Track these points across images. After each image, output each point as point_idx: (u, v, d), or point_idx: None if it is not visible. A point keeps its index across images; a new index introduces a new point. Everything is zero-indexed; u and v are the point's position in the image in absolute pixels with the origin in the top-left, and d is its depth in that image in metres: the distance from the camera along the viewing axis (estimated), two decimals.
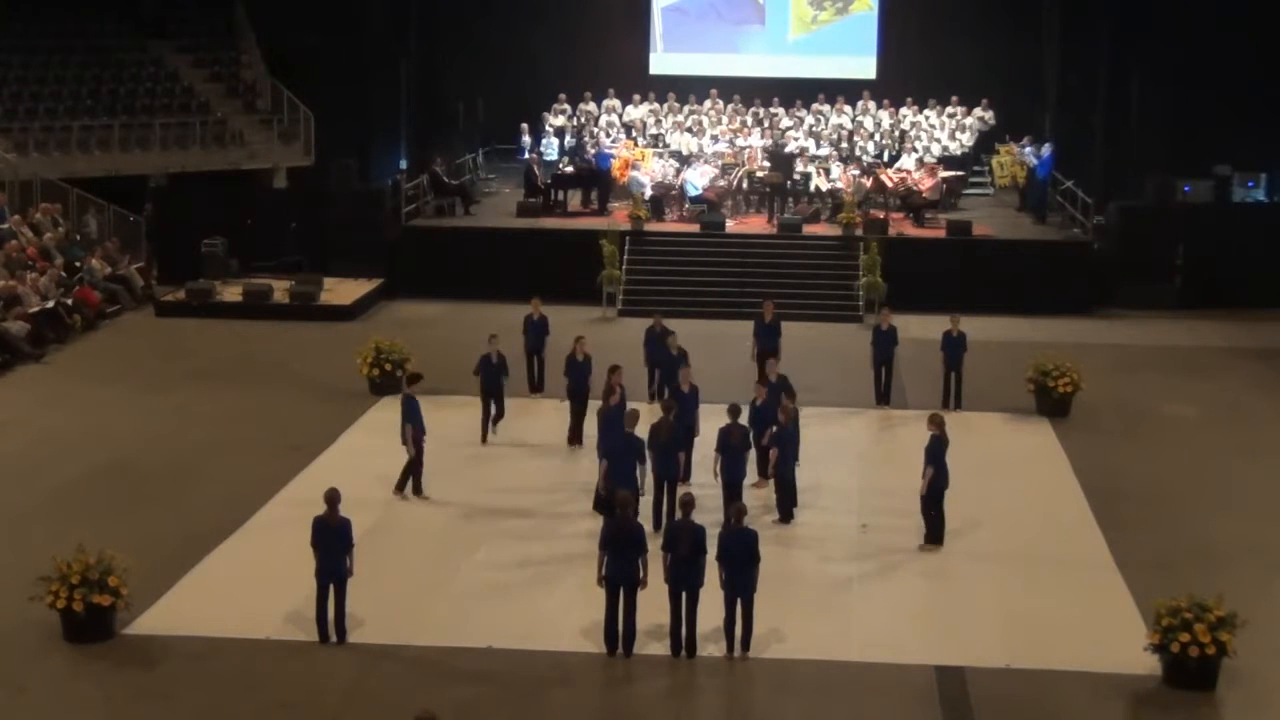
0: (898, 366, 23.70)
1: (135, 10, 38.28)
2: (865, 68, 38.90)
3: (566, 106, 37.58)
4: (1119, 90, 34.58)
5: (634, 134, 36.72)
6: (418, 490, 19.06)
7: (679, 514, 14.84)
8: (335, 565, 14.78)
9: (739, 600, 14.62)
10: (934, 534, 17.57)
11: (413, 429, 18.79)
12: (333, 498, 14.93)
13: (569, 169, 34.63)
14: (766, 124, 36.09)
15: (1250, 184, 35.23)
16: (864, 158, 35.25)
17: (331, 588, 14.80)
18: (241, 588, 16.26)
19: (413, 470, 19.03)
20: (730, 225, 32.24)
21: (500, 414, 21.34)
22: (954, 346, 23.08)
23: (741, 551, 14.64)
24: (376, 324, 28.27)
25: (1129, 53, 34.14)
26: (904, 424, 22.41)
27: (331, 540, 14.80)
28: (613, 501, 15.20)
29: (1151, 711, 13.95)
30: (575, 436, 20.96)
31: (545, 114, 37.48)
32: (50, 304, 27.38)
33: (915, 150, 35.12)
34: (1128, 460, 21.16)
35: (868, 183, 33.19)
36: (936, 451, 17.38)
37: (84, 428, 22.14)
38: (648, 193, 32.74)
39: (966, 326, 23.35)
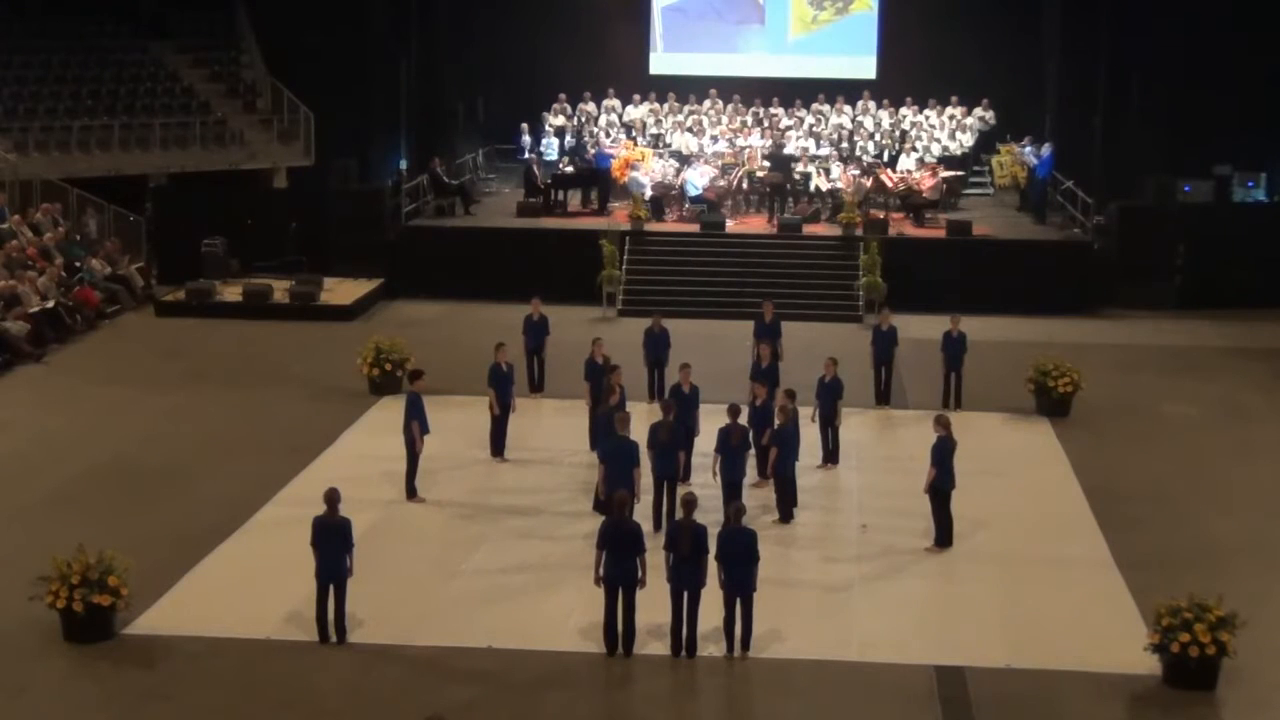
0: (898, 367, 23.70)
1: (135, 10, 38.23)
2: (865, 68, 38.89)
3: (566, 106, 37.59)
4: (1119, 90, 34.54)
5: (634, 134, 36.73)
6: (412, 493, 19.04)
7: (680, 513, 14.85)
8: (335, 565, 14.78)
9: (738, 600, 14.63)
10: (943, 536, 17.56)
11: (418, 426, 18.78)
12: (332, 498, 14.94)
13: (569, 169, 34.63)
14: (766, 124, 36.09)
15: (1250, 184, 35.18)
16: (864, 158, 35.26)
17: (331, 588, 14.81)
18: (241, 588, 16.26)
19: (410, 470, 19.03)
20: (730, 225, 32.23)
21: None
22: (954, 346, 23.08)
23: (740, 551, 14.65)
24: (376, 324, 28.28)
25: (1129, 53, 34.08)
26: (904, 424, 22.44)
27: (331, 540, 14.81)
28: (610, 502, 15.21)
29: (1151, 711, 13.95)
30: (596, 441, 20.69)
31: (545, 114, 37.50)
32: (50, 304, 27.39)
33: (915, 150, 35.14)
34: (1128, 460, 21.16)
35: (868, 183, 33.19)
36: (943, 452, 17.37)
37: (84, 428, 22.15)
38: (648, 193, 32.74)
39: (966, 327, 23.36)
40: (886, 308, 24.97)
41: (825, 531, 18.31)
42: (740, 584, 14.61)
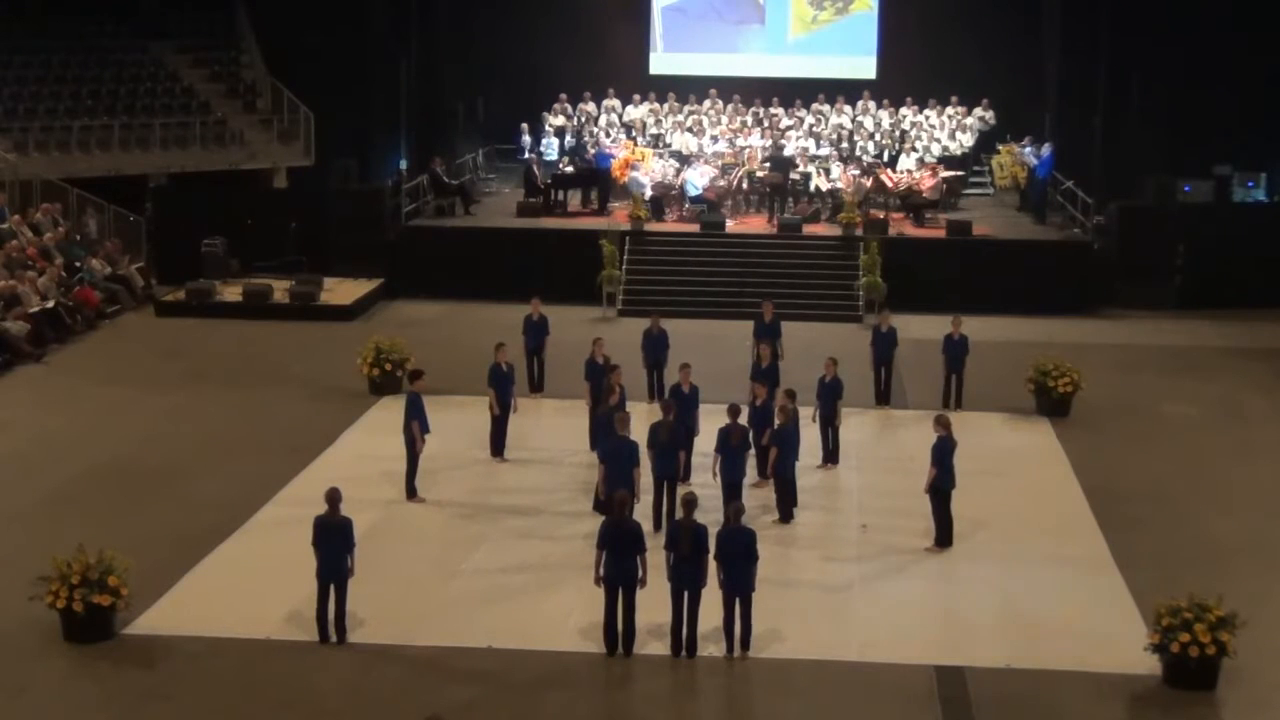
0: (898, 367, 23.70)
1: (135, 10, 38.26)
2: (865, 68, 38.89)
3: (566, 106, 37.59)
4: (1119, 90, 34.56)
5: (634, 134, 36.72)
6: (412, 493, 19.04)
7: (680, 513, 14.85)
8: (336, 565, 14.78)
9: (738, 600, 14.64)
10: (943, 536, 17.56)
11: (418, 426, 18.78)
12: (334, 497, 14.94)
13: (569, 169, 34.62)
14: (766, 124, 36.09)
15: (1250, 184, 35.20)
16: (864, 158, 35.25)
17: (332, 587, 14.80)
18: (241, 588, 16.26)
19: (410, 470, 19.03)
20: (730, 225, 32.23)
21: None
22: (955, 349, 23.03)
23: (739, 550, 14.65)
24: (376, 324, 28.28)
25: (1129, 53, 34.10)
26: (904, 424, 22.44)
27: (333, 540, 14.81)
28: (610, 502, 15.21)
29: (1151, 711, 13.95)
30: (596, 441, 20.66)
31: (545, 114, 37.49)
32: (50, 304, 27.39)
33: (915, 150, 35.13)
34: (1128, 460, 21.16)
35: (868, 183, 33.19)
36: (943, 452, 17.38)
37: (84, 428, 22.15)
38: (648, 193, 32.74)
39: (966, 327, 23.33)
40: (886, 309, 24.96)
41: (825, 531, 18.31)
42: (739, 584, 14.61)
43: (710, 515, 15.70)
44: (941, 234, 31.62)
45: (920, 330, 25.51)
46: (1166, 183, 31.83)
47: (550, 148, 36.50)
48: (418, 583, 16.50)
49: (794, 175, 33.60)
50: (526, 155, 35.52)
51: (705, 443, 18.70)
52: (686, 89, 37.77)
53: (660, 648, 14.74)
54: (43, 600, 14.73)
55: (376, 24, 36.31)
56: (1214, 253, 30.72)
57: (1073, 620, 15.68)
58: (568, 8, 38.29)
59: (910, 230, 32.15)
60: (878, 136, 36.31)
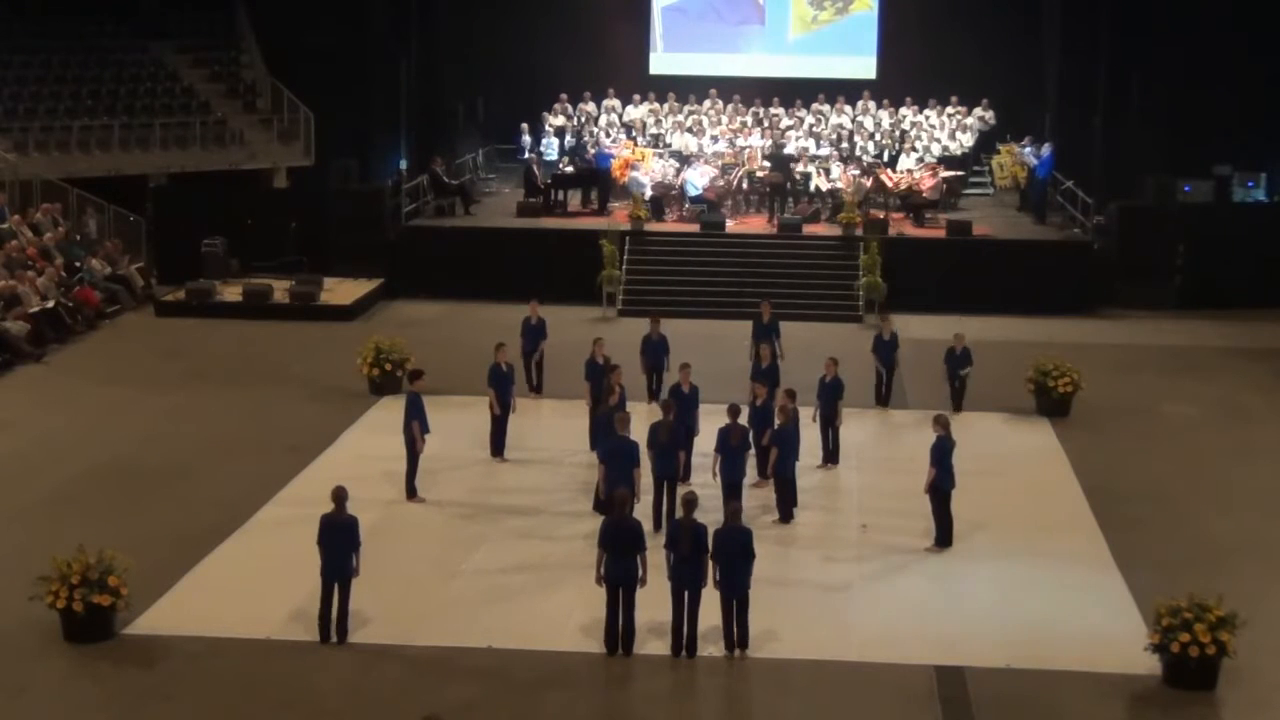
0: (899, 368, 23.67)
1: (135, 10, 38.28)
2: (865, 68, 38.90)
3: (567, 106, 37.59)
4: (1119, 90, 34.57)
5: (634, 134, 36.72)
6: (412, 493, 19.04)
7: (680, 513, 14.85)
8: (341, 564, 14.78)
9: (734, 599, 14.63)
10: (943, 536, 17.56)
11: (418, 425, 18.77)
12: (339, 496, 14.94)
13: (569, 169, 34.62)
14: (766, 124, 36.08)
15: (1250, 184, 35.21)
16: (864, 158, 35.24)
17: (336, 587, 14.79)
18: (242, 587, 16.27)
19: (410, 470, 19.02)
20: (730, 225, 32.24)
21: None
22: (957, 363, 22.90)
23: (736, 549, 14.66)
24: (376, 324, 28.28)
25: (1129, 53, 34.12)
26: (904, 425, 22.43)
27: (338, 539, 14.80)
28: (610, 502, 15.22)
29: (1151, 711, 13.95)
30: (596, 441, 20.64)
31: (545, 114, 37.48)
32: (50, 304, 27.39)
33: (915, 150, 35.13)
34: (1128, 460, 21.16)
35: (868, 183, 33.19)
36: (942, 452, 17.38)
37: (84, 428, 22.15)
38: (648, 193, 32.74)
39: (967, 327, 23.37)
40: (888, 314, 24.86)
41: (825, 531, 18.31)
42: (736, 583, 14.61)
43: (710, 515, 15.68)
44: (941, 234, 31.62)
45: (920, 330, 25.52)
46: (1166, 183, 31.82)
47: (550, 148, 36.49)
48: (418, 583, 16.50)
49: (794, 175, 33.60)
50: (526, 155, 35.52)
51: (705, 443, 18.70)
52: (686, 89, 37.77)
53: (660, 647, 14.75)
54: (43, 600, 14.73)
55: (376, 24, 36.32)
56: (1214, 253, 30.72)
57: (1073, 620, 15.68)
58: (568, 8, 38.29)
59: (910, 230, 32.14)
60: (878, 136, 36.30)
